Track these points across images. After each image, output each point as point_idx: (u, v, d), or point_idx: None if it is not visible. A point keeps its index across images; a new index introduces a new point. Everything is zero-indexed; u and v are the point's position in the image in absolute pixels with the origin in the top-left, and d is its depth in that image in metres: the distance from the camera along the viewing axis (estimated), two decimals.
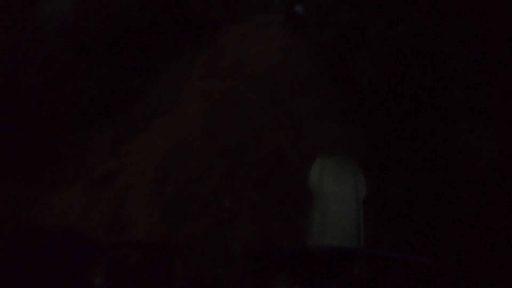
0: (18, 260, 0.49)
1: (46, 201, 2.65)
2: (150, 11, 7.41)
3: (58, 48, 4.02)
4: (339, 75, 4.54)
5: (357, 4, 5.18)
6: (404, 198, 2.33)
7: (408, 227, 2.15)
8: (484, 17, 2.70)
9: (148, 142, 3.58)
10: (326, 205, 0.81)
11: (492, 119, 2.45)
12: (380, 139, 2.83)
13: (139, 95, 4.69)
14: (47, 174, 2.92)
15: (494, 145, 2.32)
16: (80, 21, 4.49)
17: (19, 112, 3.16)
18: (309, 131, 3.65)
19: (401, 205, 2.27)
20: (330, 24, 6.10)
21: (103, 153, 3.30)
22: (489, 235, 1.98)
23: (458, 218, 2.16)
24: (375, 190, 2.09)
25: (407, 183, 2.43)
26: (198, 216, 2.42)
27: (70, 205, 2.62)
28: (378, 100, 3.20)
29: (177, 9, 8.80)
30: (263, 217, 2.40)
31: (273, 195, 2.63)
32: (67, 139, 3.26)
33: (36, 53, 3.74)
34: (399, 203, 2.30)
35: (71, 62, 4.02)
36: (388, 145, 2.71)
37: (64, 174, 2.99)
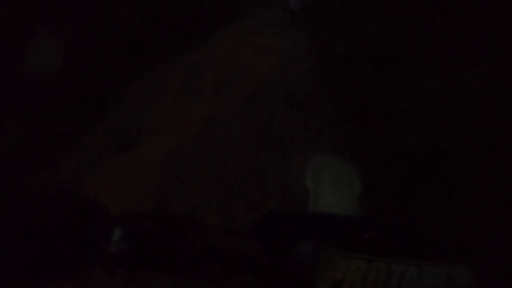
0: (33, 223, 0.50)
1: None
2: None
3: None
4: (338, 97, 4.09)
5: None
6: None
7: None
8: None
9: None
10: (322, 203, 0.83)
11: None
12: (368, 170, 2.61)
13: (94, 126, 3.81)
14: None
15: None
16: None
17: None
18: (295, 158, 3.26)
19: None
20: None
21: None
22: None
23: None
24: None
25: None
26: None
27: None
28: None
29: (167, 10, 7.94)
30: None
31: None
32: None
33: None
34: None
35: None
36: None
37: None
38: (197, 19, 8.54)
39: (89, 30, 5.55)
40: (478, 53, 2.74)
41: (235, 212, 2.59)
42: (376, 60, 3.75)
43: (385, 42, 3.81)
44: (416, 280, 0.42)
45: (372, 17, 4.49)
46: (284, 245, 0.48)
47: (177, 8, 8.26)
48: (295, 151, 3.21)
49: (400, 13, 3.92)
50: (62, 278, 0.48)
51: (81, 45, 5.07)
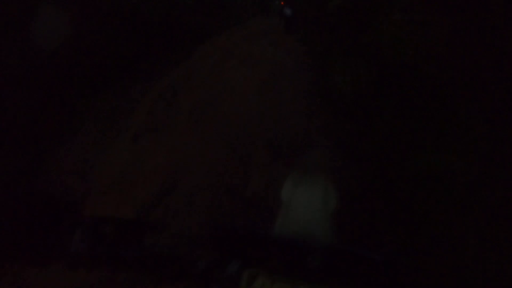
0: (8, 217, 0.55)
1: None
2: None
3: None
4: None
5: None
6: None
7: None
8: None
9: None
10: (292, 215, 0.85)
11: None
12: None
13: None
14: None
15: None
16: None
17: None
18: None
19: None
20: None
21: None
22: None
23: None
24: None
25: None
26: None
27: None
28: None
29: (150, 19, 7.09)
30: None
31: None
32: None
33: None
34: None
35: None
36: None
37: None
38: (186, 29, 7.77)
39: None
40: None
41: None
42: (396, 92, 2.78)
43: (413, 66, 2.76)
44: None
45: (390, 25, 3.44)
46: (217, 261, 0.52)
47: (164, 18, 7.44)
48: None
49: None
50: (30, 265, 0.63)
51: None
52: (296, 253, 0.54)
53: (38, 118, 3.74)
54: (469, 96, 2.37)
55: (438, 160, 2.30)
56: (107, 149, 3.70)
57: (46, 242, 0.54)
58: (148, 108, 4.42)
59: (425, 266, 1.55)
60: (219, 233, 0.57)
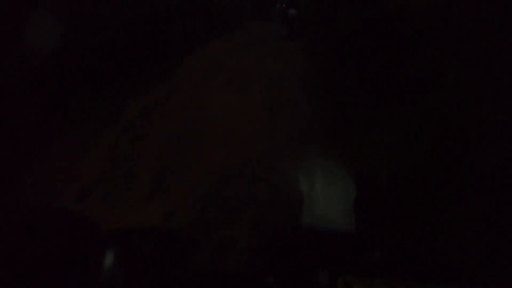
0: (27, 243, 0.46)
1: None
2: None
3: None
4: None
5: None
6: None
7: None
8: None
9: None
10: (317, 208, 0.84)
11: None
12: None
13: None
14: None
15: None
16: None
17: None
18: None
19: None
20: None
21: None
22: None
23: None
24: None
25: None
26: None
27: None
28: None
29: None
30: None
31: None
32: None
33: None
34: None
35: None
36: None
37: None
38: (175, 37, 6.74)
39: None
40: None
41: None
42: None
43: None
44: None
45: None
46: (298, 273, 0.47)
47: (150, 24, 6.42)
48: None
49: None
50: None
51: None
52: (356, 248, 0.52)
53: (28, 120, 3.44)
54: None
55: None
56: None
57: (68, 275, 0.41)
58: (108, 148, 3.40)
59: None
60: (276, 242, 0.53)
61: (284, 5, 8.89)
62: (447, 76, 2.57)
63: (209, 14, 8.55)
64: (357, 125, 3.14)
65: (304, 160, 2.29)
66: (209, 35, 7.74)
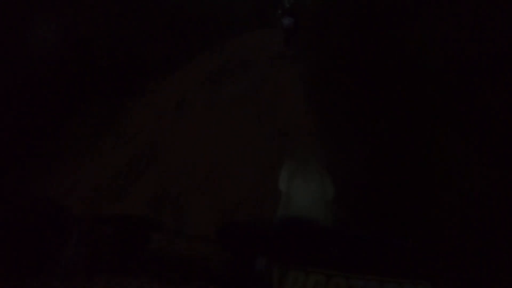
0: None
1: None
2: None
3: None
4: None
5: None
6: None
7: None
8: None
9: None
10: (293, 205, 0.82)
11: None
12: None
13: None
14: None
15: None
16: None
17: None
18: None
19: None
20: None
21: None
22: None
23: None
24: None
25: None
26: None
27: None
28: None
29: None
30: None
31: None
32: None
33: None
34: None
35: None
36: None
37: None
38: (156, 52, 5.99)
39: None
40: None
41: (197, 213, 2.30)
42: None
43: None
44: None
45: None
46: (242, 258, 0.49)
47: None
48: None
49: None
50: (21, 282, 0.44)
51: None
52: (315, 242, 0.52)
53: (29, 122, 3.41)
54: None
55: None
56: None
57: (34, 252, 0.45)
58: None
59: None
60: (233, 230, 0.54)
61: (283, 15, 7.81)
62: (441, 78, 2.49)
63: (199, 23, 7.90)
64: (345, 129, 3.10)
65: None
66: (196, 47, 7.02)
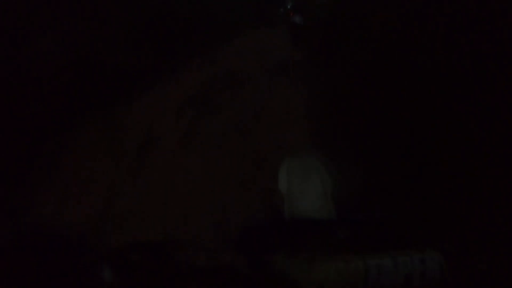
0: (19, 265, 0.46)
1: None
2: None
3: None
4: None
5: None
6: None
7: None
8: None
9: None
10: (297, 205, 0.83)
11: None
12: None
13: None
14: None
15: None
16: None
17: None
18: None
19: None
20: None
21: None
22: None
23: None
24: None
25: None
26: None
27: None
28: None
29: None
30: None
31: None
32: None
33: None
34: None
35: None
36: None
37: None
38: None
39: None
40: None
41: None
42: None
43: None
44: (393, 270, 0.45)
45: None
46: (260, 257, 0.50)
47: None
48: None
49: None
50: None
51: None
52: (325, 230, 0.55)
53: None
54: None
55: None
56: None
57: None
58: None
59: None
60: (249, 235, 0.56)
61: (291, 13, 7.15)
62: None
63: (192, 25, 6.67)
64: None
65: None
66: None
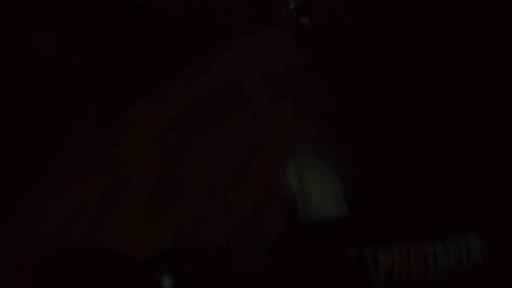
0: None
1: None
2: None
3: None
4: None
5: None
6: None
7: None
8: None
9: None
10: (314, 204, 0.83)
11: None
12: None
13: None
14: None
15: None
16: None
17: None
18: None
19: None
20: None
21: None
22: None
23: None
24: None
25: None
26: None
27: None
28: None
29: None
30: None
31: None
32: None
33: None
34: None
35: None
36: None
37: None
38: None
39: None
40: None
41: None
42: None
43: None
44: (445, 256, 0.48)
45: None
46: (329, 252, 0.52)
47: None
48: None
49: None
50: None
51: None
52: (365, 225, 0.56)
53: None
54: None
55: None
56: None
57: None
58: None
59: None
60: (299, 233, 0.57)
61: (296, 14, 6.77)
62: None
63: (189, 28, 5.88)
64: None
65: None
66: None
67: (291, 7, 7.76)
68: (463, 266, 0.48)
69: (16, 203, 2.69)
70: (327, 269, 0.51)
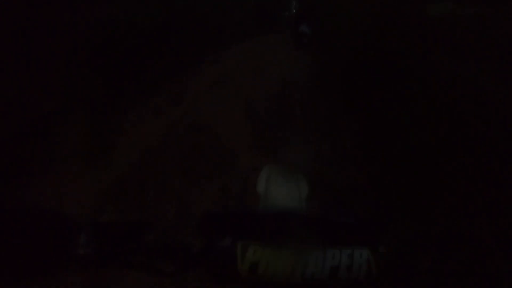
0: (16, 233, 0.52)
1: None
2: None
3: None
4: None
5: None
6: None
7: None
8: None
9: None
10: (270, 204, 0.91)
11: None
12: None
13: None
14: None
15: None
16: None
17: None
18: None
19: None
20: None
21: None
22: None
23: None
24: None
25: None
26: None
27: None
28: None
29: None
30: None
31: None
32: None
33: None
34: None
35: None
36: None
37: None
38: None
39: None
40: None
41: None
42: None
43: None
44: (320, 261, 0.50)
45: None
46: (210, 241, 0.57)
47: None
48: None
49: None
50: (37, 278, 0.48)
51: None
52: (279, 224, 0.59)
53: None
54: None
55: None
56: None
57: (51, 250, 0.52)
58: None
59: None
60: (208, 217, 0.61)
61: (297, 21, 6.55)
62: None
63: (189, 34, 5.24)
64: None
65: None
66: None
67: (294, 11, 7.22)
68: (339, 276, 0.49)
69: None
70: (204, 254, 0.55)
